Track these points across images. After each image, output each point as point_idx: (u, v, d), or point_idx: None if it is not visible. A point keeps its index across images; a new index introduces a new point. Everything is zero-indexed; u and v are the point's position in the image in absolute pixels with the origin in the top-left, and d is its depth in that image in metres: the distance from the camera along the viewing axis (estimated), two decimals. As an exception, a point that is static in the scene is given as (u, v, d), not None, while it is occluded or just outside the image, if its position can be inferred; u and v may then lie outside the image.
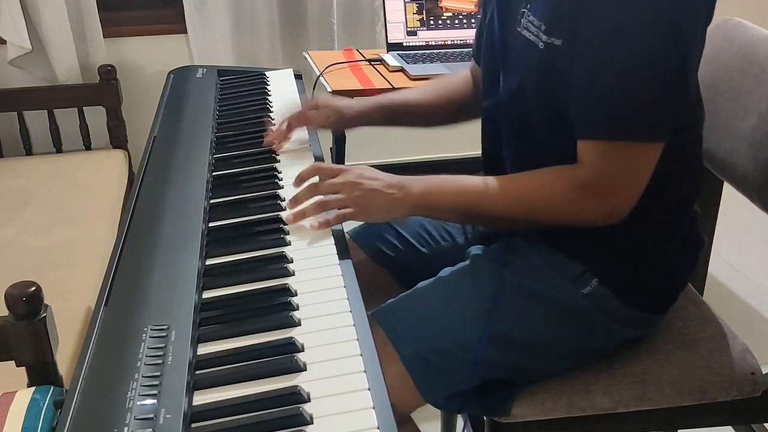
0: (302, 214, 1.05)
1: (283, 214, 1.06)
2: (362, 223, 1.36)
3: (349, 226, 1.32)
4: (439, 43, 2.34)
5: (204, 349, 0.82)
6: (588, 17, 0.96)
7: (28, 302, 1.06)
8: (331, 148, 2.23)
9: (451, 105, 1.35)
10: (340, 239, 1.01)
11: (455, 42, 2.34)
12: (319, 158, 1.25)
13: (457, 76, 1.38)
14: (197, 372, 0.78)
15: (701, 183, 1.15)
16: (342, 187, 1.05)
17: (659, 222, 1.10)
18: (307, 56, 2.34)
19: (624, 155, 0.99)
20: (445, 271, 1.15)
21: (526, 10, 1.06)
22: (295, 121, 1.30)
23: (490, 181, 1.07)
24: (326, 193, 1.05)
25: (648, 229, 1.09)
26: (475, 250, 1.17)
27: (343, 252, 0.98)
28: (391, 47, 2.31)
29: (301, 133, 1.32)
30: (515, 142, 1.13)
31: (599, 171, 1.00)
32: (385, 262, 1.31)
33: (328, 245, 0.99)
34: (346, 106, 1.31)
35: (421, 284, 1.14)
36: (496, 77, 1.15)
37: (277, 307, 0.87)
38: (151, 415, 0.68)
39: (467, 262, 1.16)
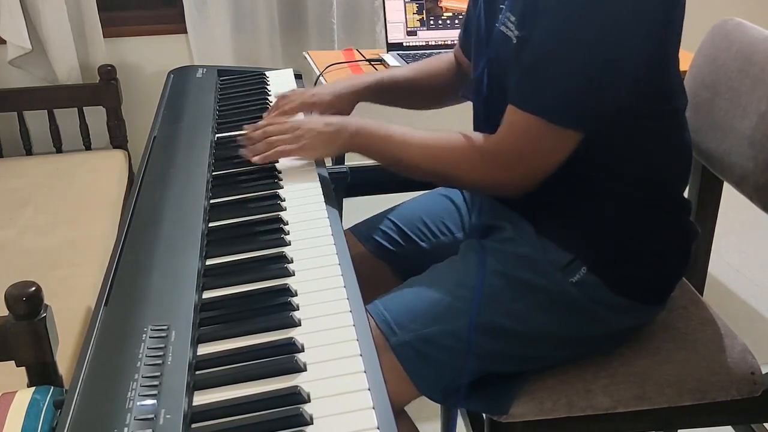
0: (255, 152, 1.18)
1: (242, 151, 1.20)
2: (363, 218, 1.38)
3: (349, 222, 1.32)
4: (439, 43, 2.34)
5: (204, 350, 0.82)
6: (545, 4, 0.99)
7: (28, 302, 1.06)
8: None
9: (434, 84, 1.42)
10: (340, 239, 1.01)
11: (455, 42, 2.34)
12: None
13: (441, 58, 1.44)
14: (197, 372, 0.78)
15: (687, 170, 1.17)
16: (286, 129, 1.18)
17: (646, 209, 1.11)
18: (307, 56, 2.34)
19: (530, 131, 1.02)
20: (436, 265, 1.17)
21: (503, 6, 1.09)
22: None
23: (415, 132, 1.14)
24: (274, 134, 1.18)
25: (635, 216, 1.10)
26: (465, 243, 1.19)
27: (343, 252, 0.98)
28: (391, 47, 2.31)
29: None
30: None
31: (504, 141, 1.05)
32: (385, 257, 1.32)
33: (328, 245, 0.99)
34: (336, 97, 1.35)
35: (412, 278, 1.16)
36: (481, 72, 1.17)
37: (277, 307, 0.87)
38: (151, 416, 0.68)
39: (458, 254, 1.17)
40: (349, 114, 1.36)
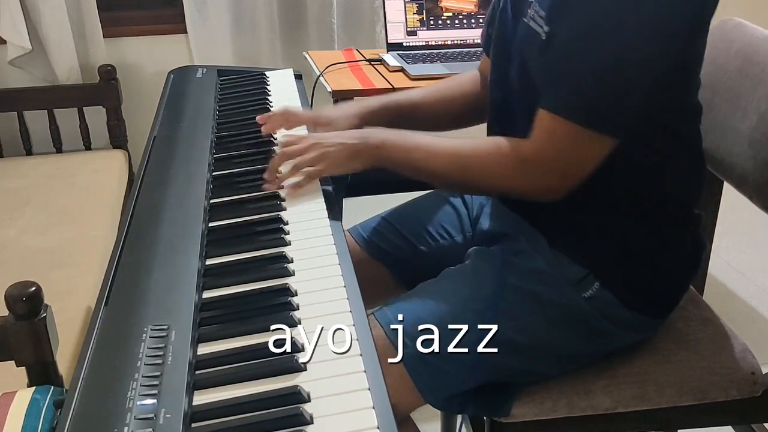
0: (278, 179, 1.11)
1: (265, 186, 1.12)
2: (363, 219, 1.37)
3: (349, 222, 1.32)
4: (439, 43, 2.34)
5: (204, 349, 0.82)
6: (577, 2, 0.97)
7: (28, 302, 1.06)
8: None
9: (460, 104, 1.34)
10: (340, 239, 1.01)
11: (455, 42, 2.34)
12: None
13: (465, 75, 1.37)
14: (197, 372, 0.78)
15: (702, 184, 1.15)
16: (307, 149, 1.11)
17: (662, 224, 1.09)
18: (307, 56, 2.34)
19: (570, 137, 0.99)
20: (446, 272, 1.15)
21: (532, 1, 1.06)
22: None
23: (442, 141, 1.10)
24: (293, 156, 1.11)
25: (651, 231, 1.09)
26: (476, 250, 1.17)
27: (343, 252, 0.98)
28: (391, 47, 2.31)
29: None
30: (525, 132, 1.11)
31: (542, 147, 1.01)
32: (383, 260, 1.31)
33: (328, 245, 0.99)
34: (344, 118, 1.25)
35: (421, 285, 1.14)
36: (506, 68, 1.14)
37: (277, 307, 0.87)
38: (151, 415, 0.69)
39: (468, 263, 1.15)
40: None
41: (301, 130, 1.29)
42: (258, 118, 1.28)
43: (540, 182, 1.04)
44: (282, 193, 1.11)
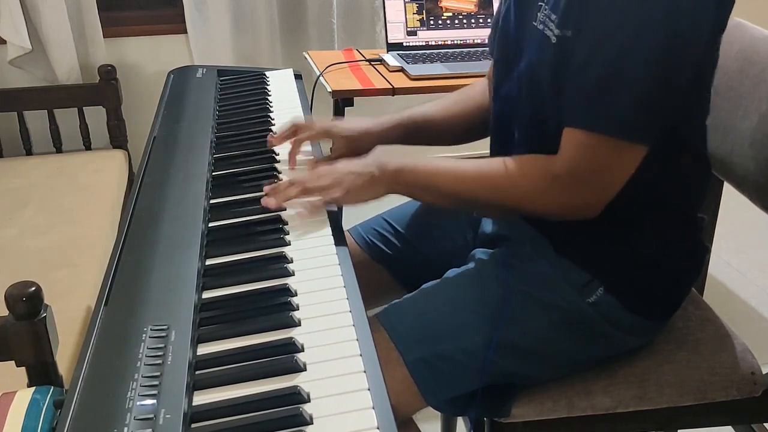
0: (285, 197, 1.06)
1: (263, 201, 1.07)
2: (363, 219, 1.37)
3: (347, 224, 1.32)
4: (439, 43, 2.34)
5: (204, 349, 0.82)
6: (596, 6, 0.95)
7: (28, 302, 1.06)
8: (331, 148, 2.22)
9: (474, 118, 1.30)
10: (340, 239, 1.01)
11: (455, 42, 2.34)
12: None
13: (475, 87, 1.34)
14: (197, 372, 0.78)
15: (707, 189, 1.15)
16: (321, 174, 1.07)
17: (666, 229, 1.09)
18: (307, 56, 2.34)
19: (602, 150, 0.97)
20: (450, 274, 1.14)
21: (543, 4, 1.04)
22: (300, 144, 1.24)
23: (463, 163, 1.07)
24: (307, 183, 1.07)
25: (655, 236, 1.08)
26: (480, 254, 1.16)
27: (343, 252, 0.98)
28: (391, 47, 2.31)
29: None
30: (528, 137, 1.11)
31: (575, 163, 0.99)
32: (383, 261, 1.31)
33: (328, 245, 0.99)
34: (359, 133, 1.23)
35: (424, 287, 1.14)
36: (510, 72, 1.13)
37: (277, 307, 0.87)
38: (151, 416, 0.68)
39: (472, 265, 1.15)
40: (366, 152, 1.16)
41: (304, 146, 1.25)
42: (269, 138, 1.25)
43: (575, 199, 1.01)
44: (283, 215, 1.06)
